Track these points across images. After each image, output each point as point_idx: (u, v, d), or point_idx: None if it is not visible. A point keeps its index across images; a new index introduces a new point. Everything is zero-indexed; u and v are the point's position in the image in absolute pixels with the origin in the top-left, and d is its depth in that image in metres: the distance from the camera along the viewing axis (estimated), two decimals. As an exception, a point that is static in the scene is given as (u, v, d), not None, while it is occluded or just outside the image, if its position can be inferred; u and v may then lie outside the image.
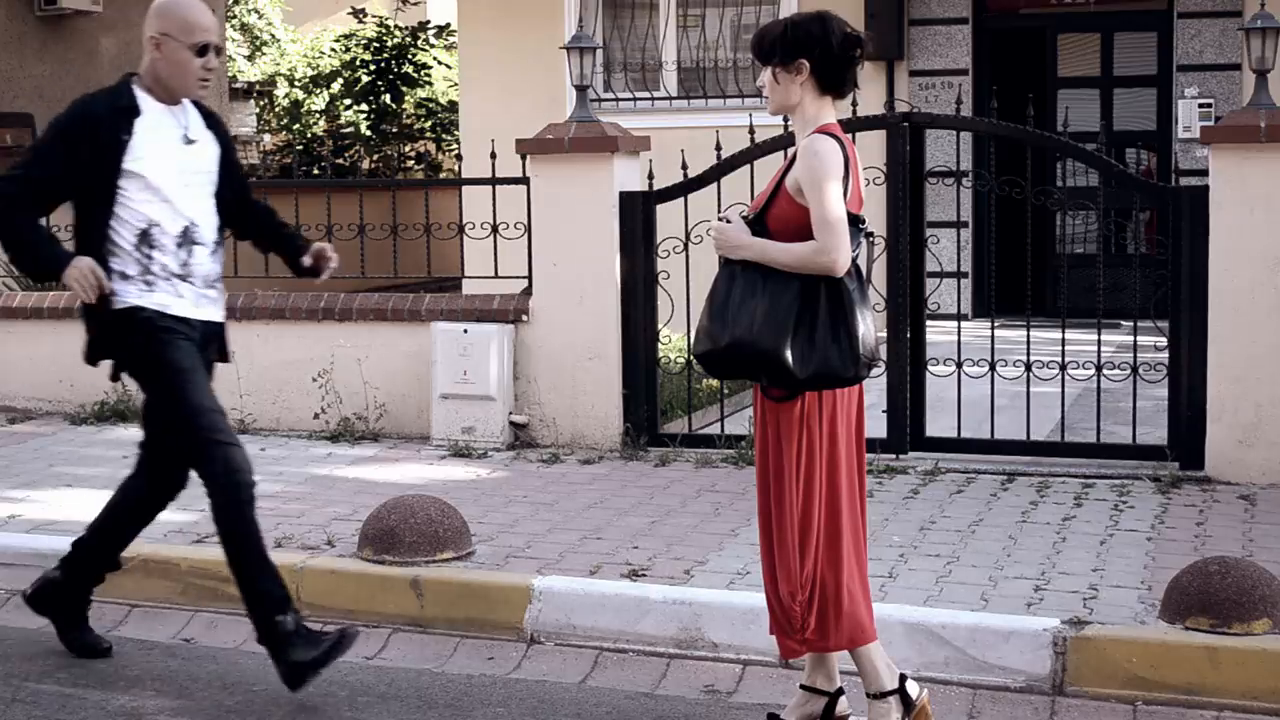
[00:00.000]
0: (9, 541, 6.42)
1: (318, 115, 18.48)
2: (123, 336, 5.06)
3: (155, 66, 5.07)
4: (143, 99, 5.07)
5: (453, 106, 17.41)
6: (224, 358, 5.32)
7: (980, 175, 8.64)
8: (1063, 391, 7.78)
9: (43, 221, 5.27)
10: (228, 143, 5.31)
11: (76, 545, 5.45)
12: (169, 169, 5.04)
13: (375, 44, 18.21)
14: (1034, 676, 5.01)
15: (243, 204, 5.38)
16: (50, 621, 5.55)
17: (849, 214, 4.34)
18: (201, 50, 5.04)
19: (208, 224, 5.16)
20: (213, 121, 5.25)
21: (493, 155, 8.63)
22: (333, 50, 18.84)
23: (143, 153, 4.99)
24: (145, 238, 5.02)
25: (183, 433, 5.02)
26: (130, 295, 5.02)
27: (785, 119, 4.83)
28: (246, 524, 4.99)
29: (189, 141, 5.12)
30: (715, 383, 8.50)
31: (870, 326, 4.41)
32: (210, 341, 5.21)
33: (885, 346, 7.51)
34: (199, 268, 5.11)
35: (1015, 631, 5.08)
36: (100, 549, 5.43)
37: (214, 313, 5.20)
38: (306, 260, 5.39)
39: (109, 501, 5.42)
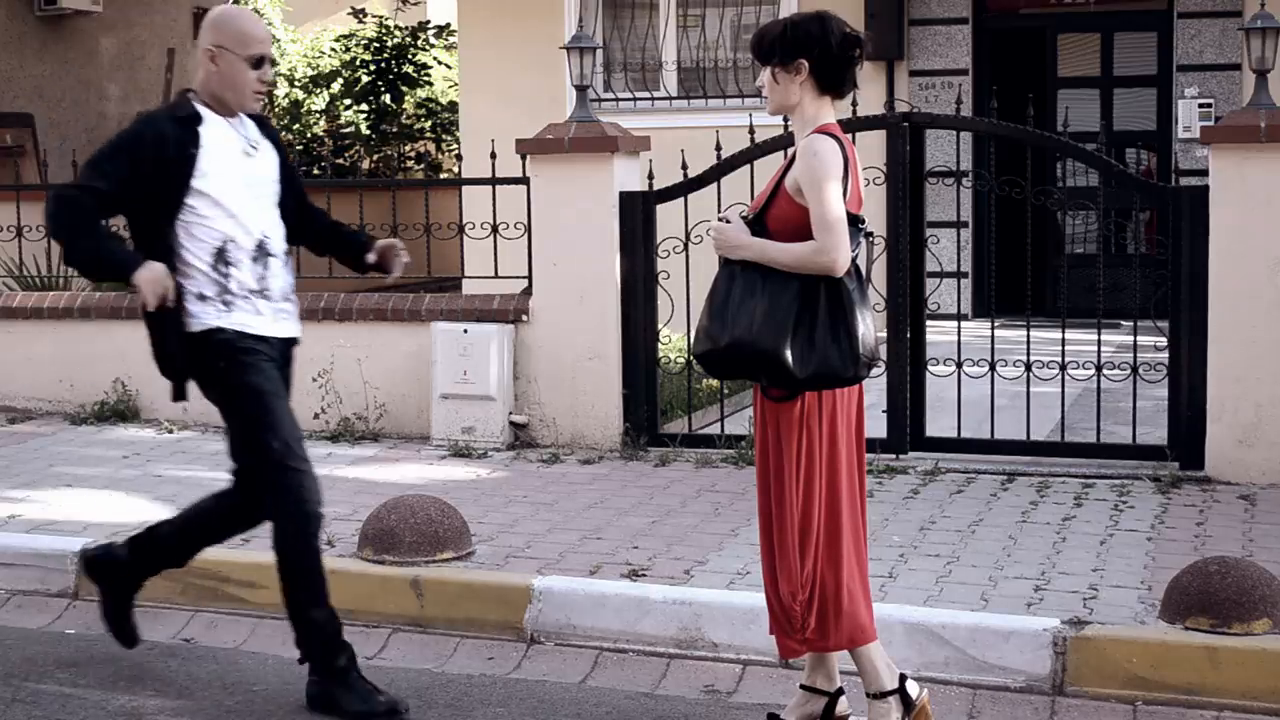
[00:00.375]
0: (9, 541, 6.41)
1: (318, 115, 18.42)
2: (201, 359, 4.93)
3: (211, 80, 4.97)
4: (204, 113, 4.97)
5: (453, 106, 17.37)
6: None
7: (980, 175, 8.65)
8: (1063, 391, 7.77)
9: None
10: (283, 149, 5.21)
11: (152, 533, 5.33)
12: (236, 182, 4.95)
13: (375, 44, 18.17)
14: (1034, 676, 5.01)
15: (302, 209, 5.26)
16: (98, 591, 5.44)
17: (848, 214, 4.34)
18: (257, 63, 4.95)
19: (277, 235, 5.06)
20: (267, 129, 5.15)
21: (493, 155, 8.63)
22: (333, 50, 18.77)
23: (209, 168, 4.89)
24: (221, 255, 4.90)
25: (259, 455, 4.91)
26: (209, 316, 4.89)
27: (785, 119, 4.83)
28: (312, 555, 4.92)
29: (251, 152, 5.03)
30: (715, 383, 8.50)
31: (870, 326, 4.41)
32: (288, 358, 5.10)
33: (885, 346, 7.50)
34: (274, 281, 5.00)
35: (1015, 631, 5.08)
36: (176, 548, 5.34)
37: (291, 328, 5.09)
38: (371, 257, 5.26)
39: (199, 504, 5.29)
